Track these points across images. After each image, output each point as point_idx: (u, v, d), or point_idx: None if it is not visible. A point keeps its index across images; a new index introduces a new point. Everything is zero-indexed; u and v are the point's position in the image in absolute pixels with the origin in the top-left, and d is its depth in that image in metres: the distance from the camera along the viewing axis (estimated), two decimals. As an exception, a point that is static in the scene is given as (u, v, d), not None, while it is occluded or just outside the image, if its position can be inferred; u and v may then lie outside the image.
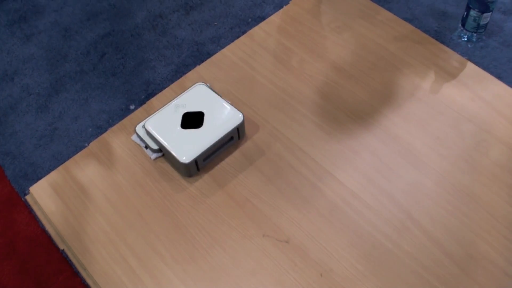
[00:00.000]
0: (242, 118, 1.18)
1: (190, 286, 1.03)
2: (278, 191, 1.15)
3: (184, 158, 1.13)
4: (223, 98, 1.23)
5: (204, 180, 1.17)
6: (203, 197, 1.15)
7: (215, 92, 1.24)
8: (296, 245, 1.07)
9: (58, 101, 1.39)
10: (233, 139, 1.21)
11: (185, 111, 1.20)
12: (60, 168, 1.22)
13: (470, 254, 1.04)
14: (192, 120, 1.20)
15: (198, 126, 1.17)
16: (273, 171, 1.18)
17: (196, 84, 1.26)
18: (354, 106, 1.28)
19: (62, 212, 1.14)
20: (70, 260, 1.10)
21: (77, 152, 1.25)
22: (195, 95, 1.24)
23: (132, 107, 1.36)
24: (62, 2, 1.66)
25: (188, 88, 1.26)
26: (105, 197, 1.16)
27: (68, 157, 1.25)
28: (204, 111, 1.20)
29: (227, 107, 1.20)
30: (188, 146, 1.14)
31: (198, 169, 1.17)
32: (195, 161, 1.14)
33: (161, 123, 1.19)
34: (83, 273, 1.07)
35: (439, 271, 1.02)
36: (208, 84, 1.28)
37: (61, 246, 1.12)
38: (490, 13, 1.36)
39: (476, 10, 1.35)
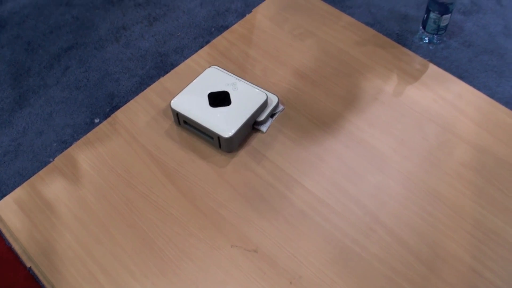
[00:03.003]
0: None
1: (159, 300, 1.02)
2: (245, 200, 1.15)
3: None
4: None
5: (170, 192, 1.17)
6: (170, 209, 1.14)
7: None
8: (265, 254, 1.07)
9: (22, 116, 1.38)
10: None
11: (209, 92, 1.26)
12: (25, 184, 1.21)
13: (437, 254, 1.05)
14: (217, 99, 1.26)
15: (226, 104, 1.23)
16: (239, 181, 1.18)
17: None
18: (318, 112, 1.29)
19: (28, 229, 1.13)
20: (37, 278, 1.09)
21: (42, 168, 1.23)
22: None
23: (96, 120, 1.35)
24: (24, 15, 1.65)
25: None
26: (71, 213, 1.15)
27: (33, 173, 1.23)
28: (228, 90, 1.26)
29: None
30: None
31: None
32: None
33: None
34: (51, 291, 1.06)
35: (408, 272, 1.03)
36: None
37: (28, 264, 1.10)
38: (449, 14, 1.38)
39: (436, 12, 1.37)
